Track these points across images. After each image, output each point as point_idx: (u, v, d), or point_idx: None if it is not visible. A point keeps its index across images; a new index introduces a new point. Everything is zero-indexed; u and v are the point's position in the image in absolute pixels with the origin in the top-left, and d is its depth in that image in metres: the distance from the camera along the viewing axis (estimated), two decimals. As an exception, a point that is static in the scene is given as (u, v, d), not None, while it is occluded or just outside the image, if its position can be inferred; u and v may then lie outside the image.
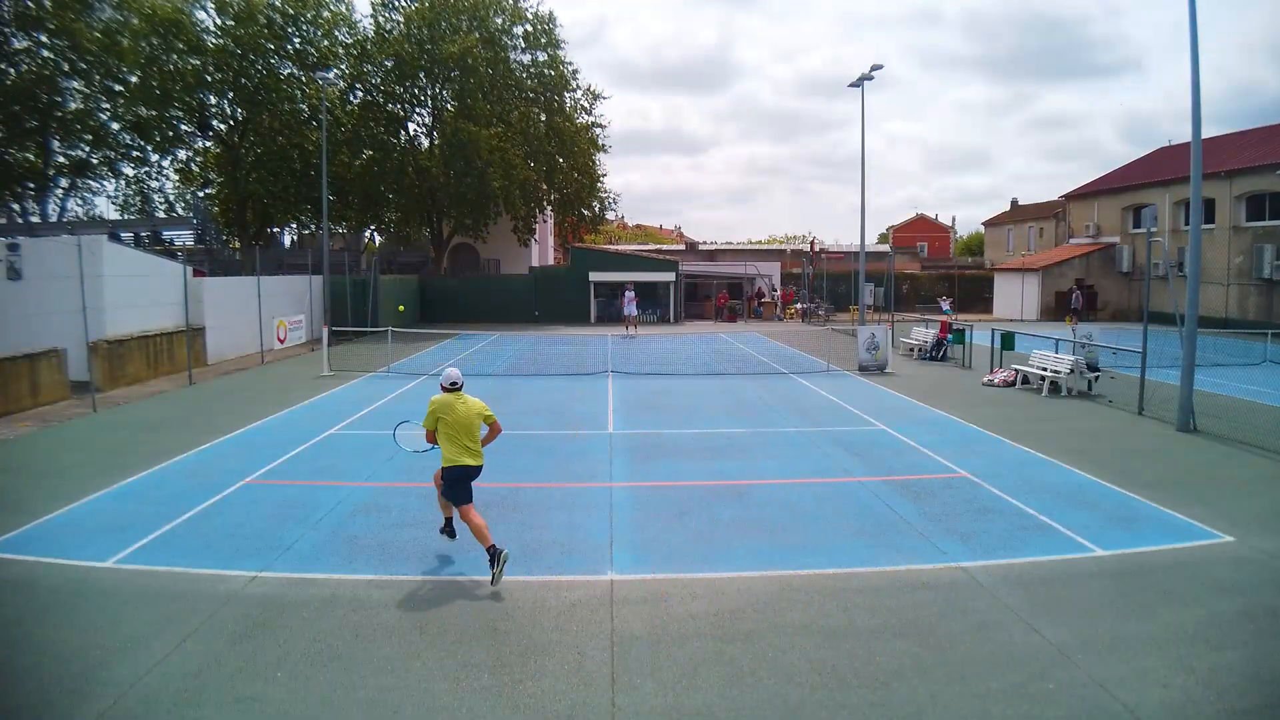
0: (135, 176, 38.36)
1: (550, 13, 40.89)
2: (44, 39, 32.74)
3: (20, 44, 32.91)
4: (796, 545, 7.99)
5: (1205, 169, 19.96)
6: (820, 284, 42.36)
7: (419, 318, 35.78)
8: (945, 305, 35.89)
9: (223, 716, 4.99)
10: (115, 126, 35.80)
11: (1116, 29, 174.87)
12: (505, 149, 35.46)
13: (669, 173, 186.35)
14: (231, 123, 36.10)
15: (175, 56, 32.24)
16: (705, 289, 43.26)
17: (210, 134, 36.90)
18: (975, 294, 46.95)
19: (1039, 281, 41.50)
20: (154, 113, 33.30)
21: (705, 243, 72.52)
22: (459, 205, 36.45)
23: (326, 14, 35.77)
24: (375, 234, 47.62)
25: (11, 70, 32.52)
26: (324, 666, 5.57)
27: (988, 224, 63.43)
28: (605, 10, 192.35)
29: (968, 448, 12.21)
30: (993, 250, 60.45)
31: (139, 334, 18.81)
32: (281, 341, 23.03)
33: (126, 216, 37.45)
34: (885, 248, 60.29)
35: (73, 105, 34.79)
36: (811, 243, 55.87)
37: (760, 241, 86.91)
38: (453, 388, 7.22)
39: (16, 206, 36.56)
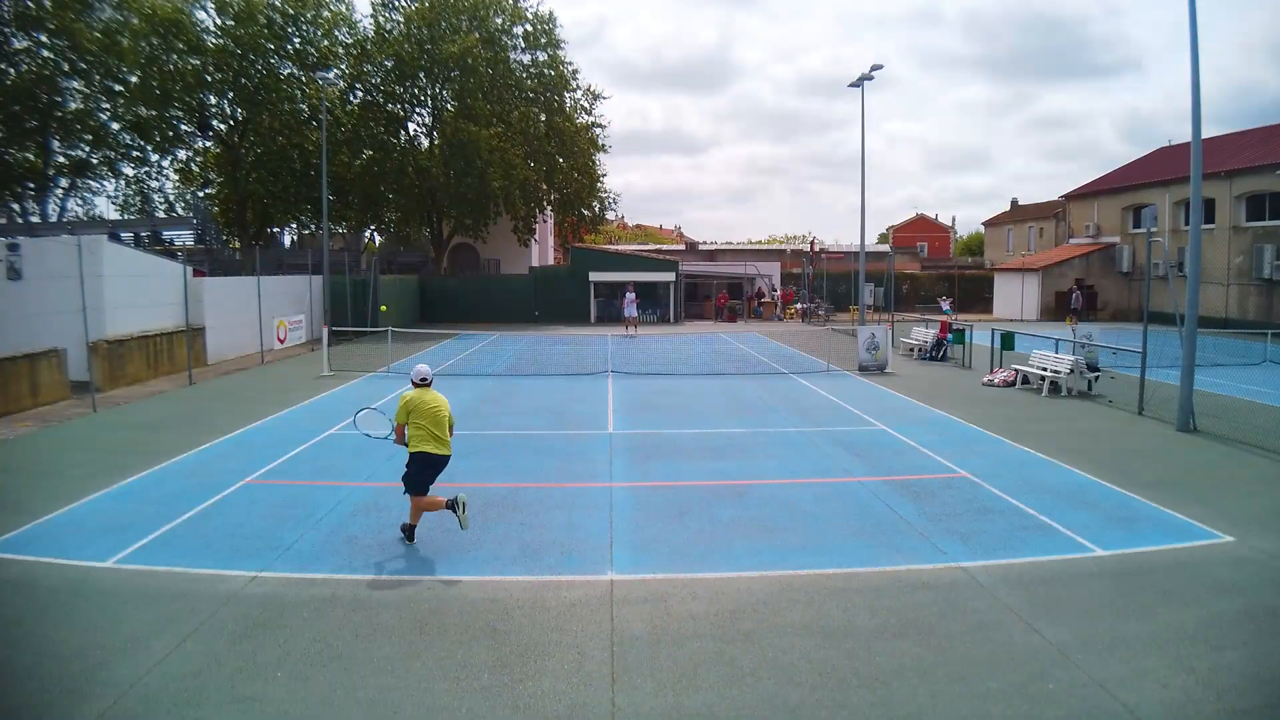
0: (135, 176, 38.41)
1: (550, 13, 40.98)
2: (44, 39, 32.73)
3: (20, 44, 32.91)
4: (796, 545, 8.00)
5: (1205, 169, 19.96)
6: (820, 284, 42.36)
7: (419, 318, 35.79)
8: (945, 305, 35.94)
9: (223, 716, 4.99)
10: (115, 126, 35.80)
11: (1116, 29, 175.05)
12: (505, 149, 35.46)
13: (669, 173, 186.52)
14: (231, 123, 36.10)
15: (175, 56, 32.24)
16: (705, 289, 43.26)
17: (210, 134, 36.91)
18: (975, 294, 46.95)
19: (1039, 281, 41.50)
20: (154, 113, 33.31)
21: (705, 243, 72.53)
22: (459, 205, 36.45)
23: (326, 14, 35.77)
24: (375, 234, 47.62)
25: (11, 70, 32.52)
26: (324, 666, 5.57)
27: (988, 224, 63.43)
28: (605, 10, 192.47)
29: (968, 448, 12.21)
30: (993, 250, 60.45)
31: (139, 334, 18.81)
32: (281, 341, 23.03)
33: (126, 216, 37.45)
34: (885, 248, 60.30)
35: (73, 105, 34.79)
36: (811, 243, 55.89)
37: (760, 241, 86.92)
38: (422, 383, 7.85)
39: (16, 206, 36.56)
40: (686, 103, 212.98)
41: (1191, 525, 8.58)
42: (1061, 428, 13.74)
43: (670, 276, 38.20)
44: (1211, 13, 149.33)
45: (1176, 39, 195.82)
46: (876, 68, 29.64)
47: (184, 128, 35.82)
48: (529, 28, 39.01)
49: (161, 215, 38.56)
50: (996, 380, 18.83)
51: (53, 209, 37.66)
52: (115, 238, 26.99)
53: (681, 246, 69.82)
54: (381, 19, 37.56)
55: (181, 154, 38.13)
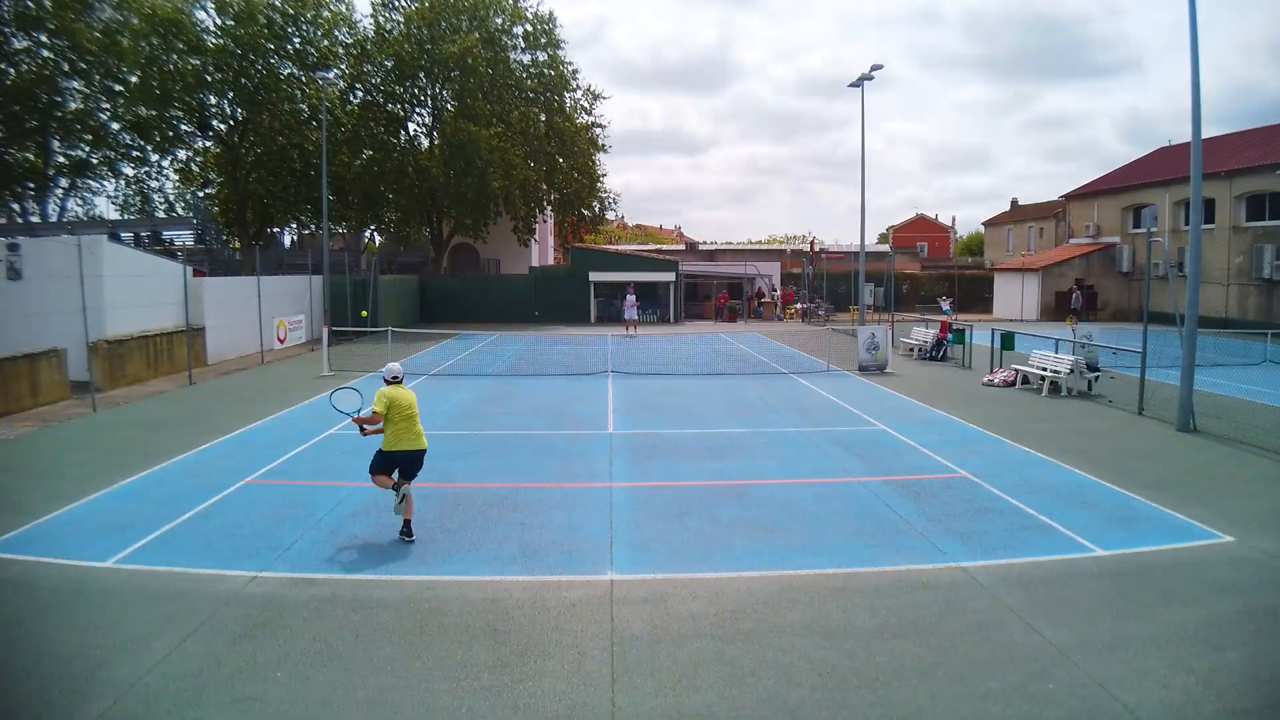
0: (135, 176, 38.42)
1: (550, 13, 41.02)
2: (44, 39, 32.74)
3: (20, 44, 32.91)
4: (796, 545, 8.00)
5: (1205, 169, 19.96)
6: (820, 284, 42.36)
7: (419, 318, 35.79)
8: (945, 305, 35.93)
9: (223, 716, 4.99)
10: (115, 126, 35.81)
11: (1116, 29, 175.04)
12: (505, 149, 35.47)
13: (669, 173, 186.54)
14: (231, 123, 36.11)
15: (175, 56, 32.24)
16: (705, 289, 43.26)
17: (210, 134, 36.91)
18: (975, 294, 46.95)
19: (1039, 281, 41.50)
20: (154, 113, 33.31)
21: (705, 243, 72.54)
22: (459, 205, 36.46)
23: (326, 14, 35.78)
24: (375, 234, 47.64)
25: (11, 70, 32.53)
26: (324, 666, 5.57)
27: (988, 224, 63.43)
28: (605, 10, 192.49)
29: (968, 448, 12.21)
30: (993, 250, 60.45)
31: (139, 334, 18.81)
32: (281, 341, 23.03)
33: (126, 216, 37.45)
34: (885, 248, 60.30)
35: (73, 105, 34.79)
36: (811, 243, 55.89)
37: (760, 241, 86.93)
38: (395, 380, 8.14)
39: (16, 206, 36.56)
40: (686, 103, 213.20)
41: (1191, 525, 8.58)
42: (1061, 428, 13.74)
43: (670, 276, 38.21)
44: (1211, 13, 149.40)
45: (1176, 39, 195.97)
46: (876, 68, 29.65)
47: (184, 128, 35.83)
48: (529, 28, 39.03)
49: (161, 215, 38.57)
50: (996, 380, 18.83)
51: (53, 209, 37.69)
52: (115, 238, 26.99)
53: (681, 246, 69.83)
54: (381, 19, 37.61)
55: (181, 154, 38.21)
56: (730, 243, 73.56)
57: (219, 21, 33.41)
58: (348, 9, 37.09)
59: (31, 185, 36.01)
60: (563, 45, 39.82)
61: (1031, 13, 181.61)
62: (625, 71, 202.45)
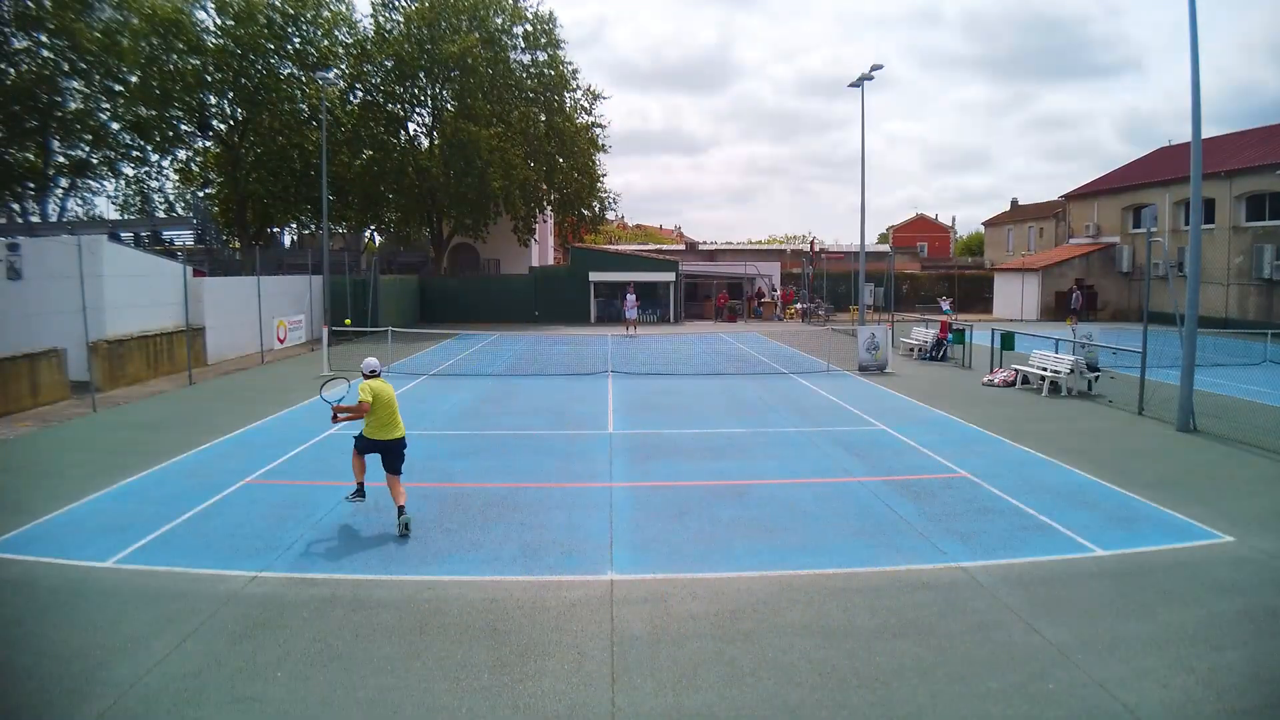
0: (135, 176, 38.41)
1: (550, 13, 41.00)
2: (44, 39, 32.73)
3: (20, 44, 32.90)
4: (796, 545, 8.00)
5: (1205, 169, 19.95)
6: (820, 284, 42.36)
7: (419, 318, 35.79)
8: (945, 305, 35.93)
9: (223, 716, 4.99)
10: (115, 126, 35.80)
11: (1116, 29, 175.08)
12: (505, 149, 35.46)
13: (669, 173, 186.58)
14: (231, 123, 36.09)
15: (175, 56, 32.23)
16: (705, 289, 43.25)
17: (210, 134, 36.90)
18: (975, 294, 46.95)
19: (1039, 281, 41.50)
20: (154, 113, 33.29)
21: (705, 243, 72.53)
22: (459, 205, 36.45)
23: (326, 14, 35.76)
24: (375, 234, 47.63)
25: (11, 70, 32.52)
26: (324, 666, 5.57)
27: (988, 224, 63.42)
28: (605, 10, 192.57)
29: (968, 448, 12.21)
30: (993, 250, 60.45)
31: (139, 334, 18.81)
32: (281, 341, 23.02)
33: (126, 216, 37.45)
34: (885, 248, 60.29)
35: (73, 105, 34.79)
36: (811, 243, 55.88)
37: (760, 241, 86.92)
38: (373, 375, 8.55)
39: (16, 206, 36.56)
40: (686, 103, 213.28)
41: (1191, 525, 8.58)
42: (1061, 428, 13.74)
43: (670, 276, 38.20)
44: (1211, 13, 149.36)
45: (1176, 39, 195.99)
46: (876, 68, 29.64)
47: (184, 128, 35.81)
48: (529, 28, 39.02)
49: (161, 215, 38.56)
50: (996, 380, 18.83)
51: (53, 209, 37.68)
52: (115, 238, 26.98)
53: (681, 246, 69.84)
54: (381, 19, 37.58)
55: (181, 154, 38.17)
56: (730, 243, 73.57)
57: (219, 21, 33.40)
58: (348, 9, 37.13)
59: (31, 185, 36.00)
60: (563, 45, 39.87)
61: (1031, 13, 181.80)
62: (625, 71, 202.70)
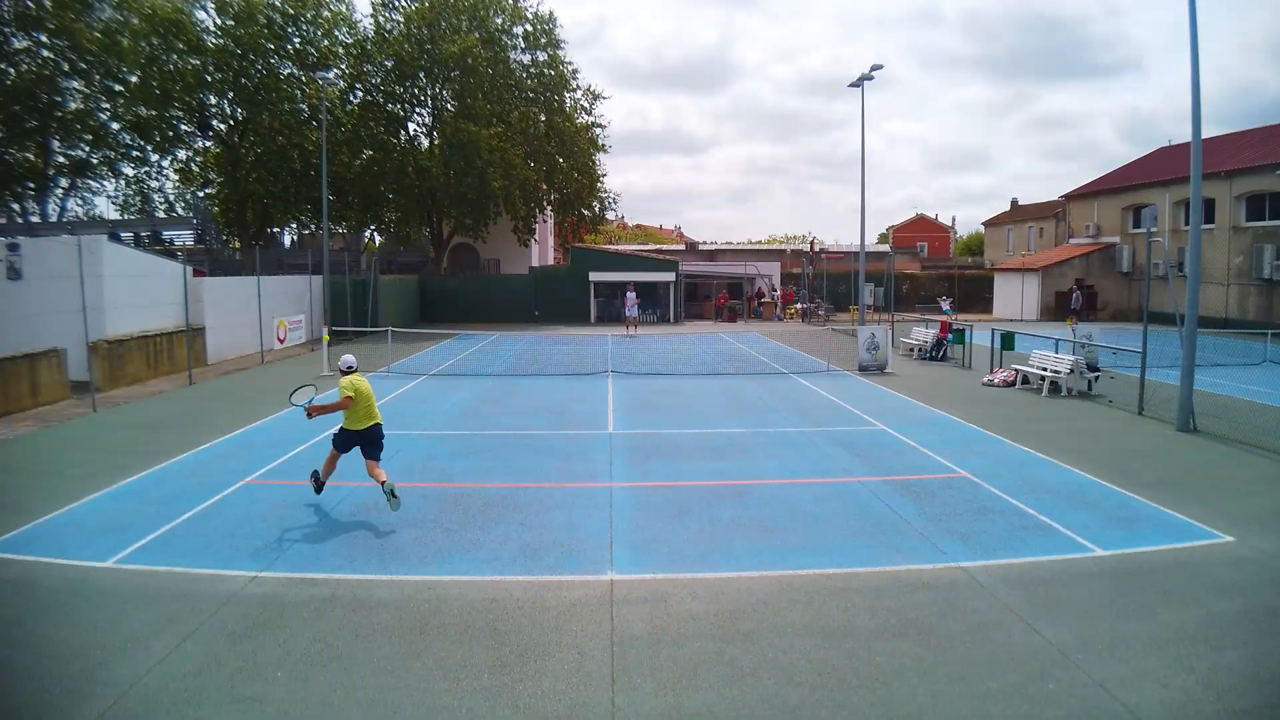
0: (135, 176, 38.40)
1: (550, 13, 40.99)
2: (44, 39, 32.73)
3: (20, 44, 32.90)
4: (796, 545, 8.00)
5: (1205, 169, 19.96)
6: (820, 284, 42.36)
7: (419, 318, 35.79)
8: (945, 305, 35.89)
9: (223, 716, 4.99)
10: (115, 126, 35.79)
11: (1116, 29, 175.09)
12: (505, 149, 35.46)
13: (669, 173, 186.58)
14: (231, 123, 36.10)
15: (175, 56, 32.23)
16: (705, 289, 43.25)
17: (210, 134, 36.90)
18: (975, 294, 46.95)
19: (1039, 281, 41.50)
20: (154, 113, 33.29)
21: (705, 243, 72.52)
22: (459, 205, 36.45)
23: (326, 14, 35.76)
24: (375, 234, 47.62)
25: (11, 70, 32.51)
26: (324, 666, 5.57)
27: (988, 224, 63.42)
28: (605, 10, 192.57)
29: (968, 448, 12.21)
30: (993, 250, 60.45)
31: (139, 334, 18.81)
32: (281, 341, 23.02)
33: (126, 216, 37.45)
34: (885, 248, 60.30)
35: (73, 105, 34.78)
36: (811, 243, 55.88)
37: (760, 241, 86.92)
38: (349, 370, 8.91)
39: (16, 206, 36.56)
40: (686, 103, 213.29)
41: (1191, 525, 8.59)
42: (1061, 428, 13.74)
43: (670, 276, 38.20)
44: (1211, 13, 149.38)
45: (1176, 39, 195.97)
46: (876, 68, 29.64)
47: (184, 128, 35.81)
48: (529, 28, 39.02)
49: (161, 215, 38.56)
50: (996, 380, 18.83)
51: (53, 209, 37.68)
52: (115, 238, 26.98)
53: (681, 246, 69.83)
54: (381, 19, 37.57)
55: (181, 154, 38.16)
56: (730, 243, 73.55)
57: (219, 21, 33.39)
58: (348, 9, 37.11)
59: (31, 185, 36.00)
60: (563, 45, 39.87)
61: (1031, 13, 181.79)
62: (625, 71, 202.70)
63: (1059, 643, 5.92)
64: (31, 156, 35.23)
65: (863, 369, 20.87)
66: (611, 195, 43.73)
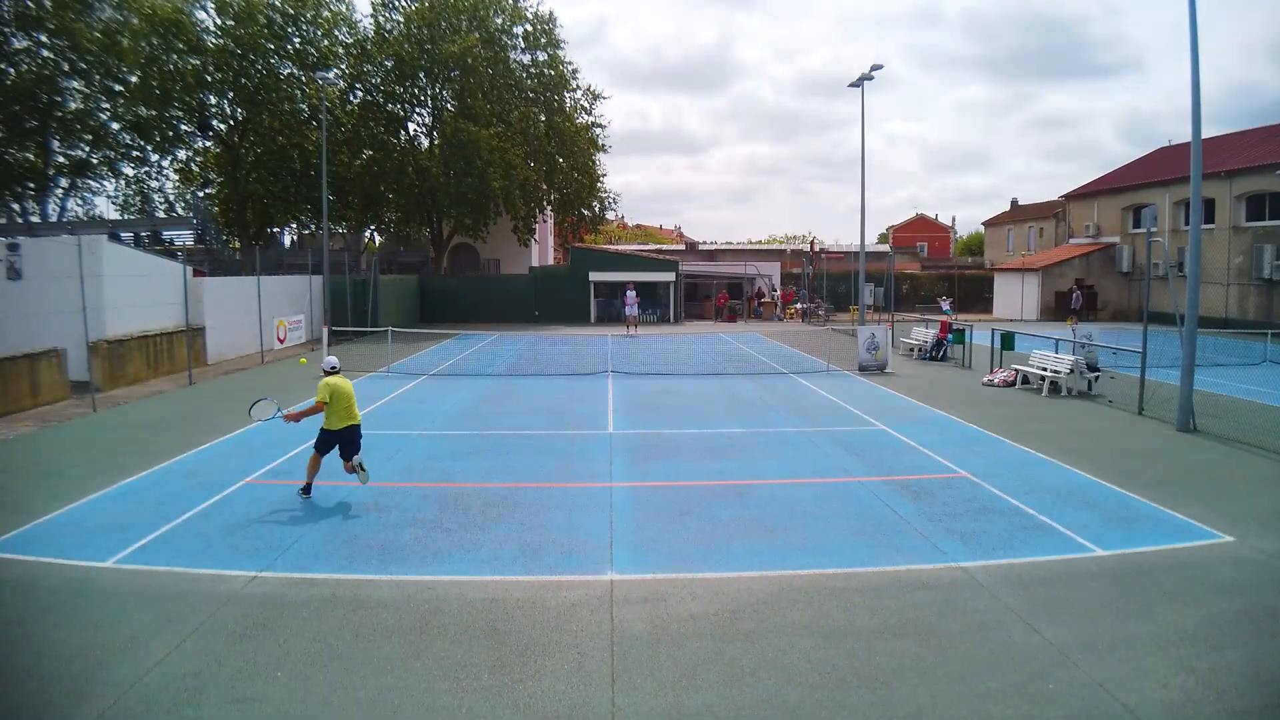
0: (135, 176, 38.42)
1: (550, 13, 41.04)
2: (44, 39, 32.73)
3: (20, 44, 32.90)
4: (796, 545, 8.00)
5: (1205, 169, 19.96)
6: (820, 284, 42.36)
7: (419, 318, 35.80)
8: (945, 305, 35.91)
9: (223, 716, 4.99)
10: (115, 126, 35.81)
11: (1116, 29, 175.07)
12: (505, 149, 35.47)
13: (669, 173, 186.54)
14: (231, 123, 36.11)
15: (175, 56, 32.24)
16: (705, 289, 43.26)
17: (210, 134, 36.91)
18: (975, 294, 46.96)
19: (1039, 281, 41.50)
20: (154, 113, 33.30)
21: (705, 243, 72.53)
22: (459, 205, 36.45)
23: (326, 14, 35.78)
24: (375, 234, 47.63)
25: (11, 70, 32.52)
26: (324, 666, 5.57)
27: (988, 224, 63.43)
28: (605, 10, 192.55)
29: (968, 448, 12.21)
30: (993, 250, 60.45)
31: (139, 334, 18.81)
32: (281, 341, 23.01)
33: (126, 216, 37.45)
34: (885, 248, 60.30)
35: (73, 105, 34.78)
36: (811, 243, 55.90)
37: (760, 241, 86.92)
38: (334, 371, 9.32)
39: (16, 206, 36.56)
40: (686, 103, 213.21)
41: (1191, 525, 8.59)
42: (1061, 428, 13.74)
43: (670, 276, 38.21)
44: (1211, 13, 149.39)
45: (1176, 39, 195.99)
46: (876, 68, 29.63)
47: (184, 128, 35.82)
48: (529, 28, 39.03)
49: (161, 215, 38.56)
50: (996, 380, 18.83)
51: (53, 209, 37.67)
52: (115, 238, 26.96)
53: (681, 246, 69.83)
54: (381, 19, 37.59)
55: (181, 154, 38.18)
56: (730, 243, 73.54)
57: (219, 21, 33.40)
58: (348, 9, 37.14)
59: (31, 185, 36.00)
60: (563, 45, 39.88)
61: (1031, 13, 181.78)
62: (625, 71, 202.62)
63: (1059, 643, 5.93)
64: (31, 156, 35.24)
65: (863, 369, 20.87)
66: (611, 195, 43.83)
